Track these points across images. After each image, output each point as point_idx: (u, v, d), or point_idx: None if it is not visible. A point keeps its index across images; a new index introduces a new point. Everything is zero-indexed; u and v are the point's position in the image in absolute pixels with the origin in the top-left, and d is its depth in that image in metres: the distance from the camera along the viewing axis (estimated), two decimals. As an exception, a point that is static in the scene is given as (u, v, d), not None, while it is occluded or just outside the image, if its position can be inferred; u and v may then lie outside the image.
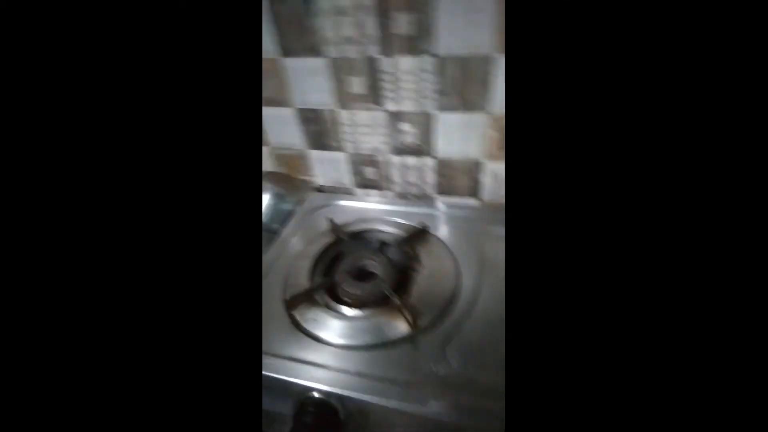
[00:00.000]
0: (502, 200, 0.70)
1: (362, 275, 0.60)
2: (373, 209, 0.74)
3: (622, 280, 0.22)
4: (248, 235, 0.26)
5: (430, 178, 0.72)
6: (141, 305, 0.24)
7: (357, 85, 0.64)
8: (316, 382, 0.44)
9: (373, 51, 0.59)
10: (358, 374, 0.45)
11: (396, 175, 0.74)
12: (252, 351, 0.25)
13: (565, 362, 0.23)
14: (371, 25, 0.56)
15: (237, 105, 0.25)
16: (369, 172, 0.76)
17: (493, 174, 0.67)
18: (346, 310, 0.54)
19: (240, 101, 0.25)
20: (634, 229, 0.22)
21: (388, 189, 0.77)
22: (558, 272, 0.23)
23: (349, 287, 0.55)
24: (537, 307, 0.23)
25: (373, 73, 0.61)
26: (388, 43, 0.57)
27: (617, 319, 0.22)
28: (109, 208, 0.23)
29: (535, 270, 0.23)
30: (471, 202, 0.73)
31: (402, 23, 0.55)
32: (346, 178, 0.78)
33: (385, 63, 0.60)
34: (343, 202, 0.76)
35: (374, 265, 0.60)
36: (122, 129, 0.23)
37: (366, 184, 0.78)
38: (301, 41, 0.61)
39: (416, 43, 0.56)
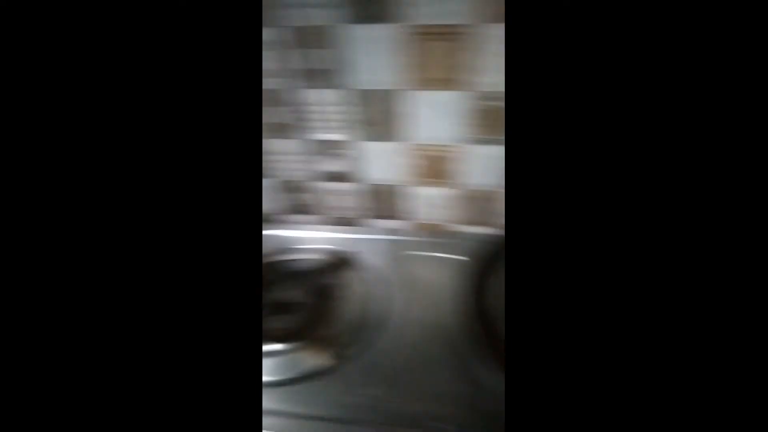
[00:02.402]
0: (432, 221, 0.73)
1: (284, 307, 0.58)
2: (300, 237, 0.73)
3: (618, 310, 0.22)
4: (246, 263, 0.25)
5: (358, 202, 0.73)
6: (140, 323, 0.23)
7: (279, 115, 0.64)
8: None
9: (294, 83, 0.60)
10: (284, 414, 0.43)
11: (323, 201, 0.74)
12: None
13: (564, 385, 0.23)
14: (293, 59, 0.57)
15: (236, 132, 0.25)
16: (296, 197, 0.75)
17: (420, 198, 0.70)
18: (267, 346, 0.52)
19: (239, 125, 0.25)
20: (634, 259, 0.22)
21: (316, 214, 0.77)
22: (557, 294, 0.23)
23: (270, 320, 0.54)
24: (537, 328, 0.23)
25: (294, 103, 0.62)
26: (308, 76, 0.59)
27: (614, 345, 0.22)
28: (107, 221, 0.23)
29: (535, 294, 0.23)
30: (400, 225, 0.75)
31: (318, 58, 0.57)
32: (274, 204, 0.77)
33: (306, 94, 0.61)
34: (268, 232, 0.74)
35: (297, 295, 0.59)
36: (125, 143, 0.23)
37: (293, 210, 0.77)
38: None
39: (335, 77, 0.58)
